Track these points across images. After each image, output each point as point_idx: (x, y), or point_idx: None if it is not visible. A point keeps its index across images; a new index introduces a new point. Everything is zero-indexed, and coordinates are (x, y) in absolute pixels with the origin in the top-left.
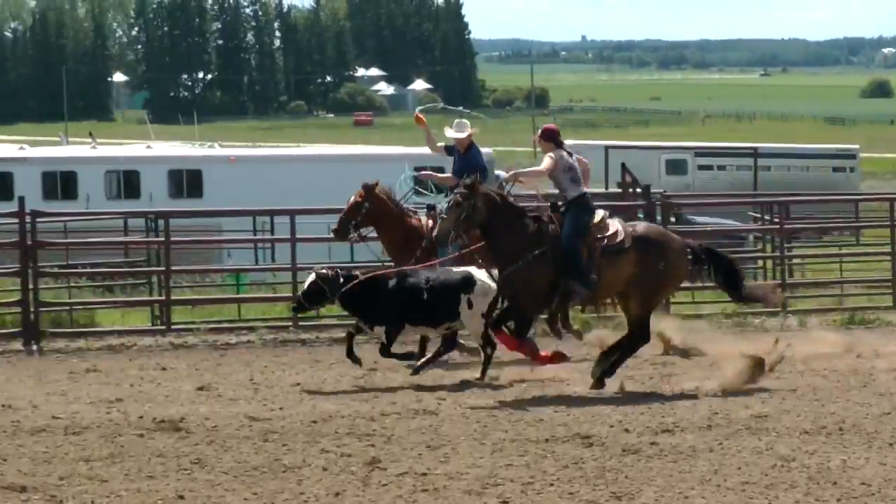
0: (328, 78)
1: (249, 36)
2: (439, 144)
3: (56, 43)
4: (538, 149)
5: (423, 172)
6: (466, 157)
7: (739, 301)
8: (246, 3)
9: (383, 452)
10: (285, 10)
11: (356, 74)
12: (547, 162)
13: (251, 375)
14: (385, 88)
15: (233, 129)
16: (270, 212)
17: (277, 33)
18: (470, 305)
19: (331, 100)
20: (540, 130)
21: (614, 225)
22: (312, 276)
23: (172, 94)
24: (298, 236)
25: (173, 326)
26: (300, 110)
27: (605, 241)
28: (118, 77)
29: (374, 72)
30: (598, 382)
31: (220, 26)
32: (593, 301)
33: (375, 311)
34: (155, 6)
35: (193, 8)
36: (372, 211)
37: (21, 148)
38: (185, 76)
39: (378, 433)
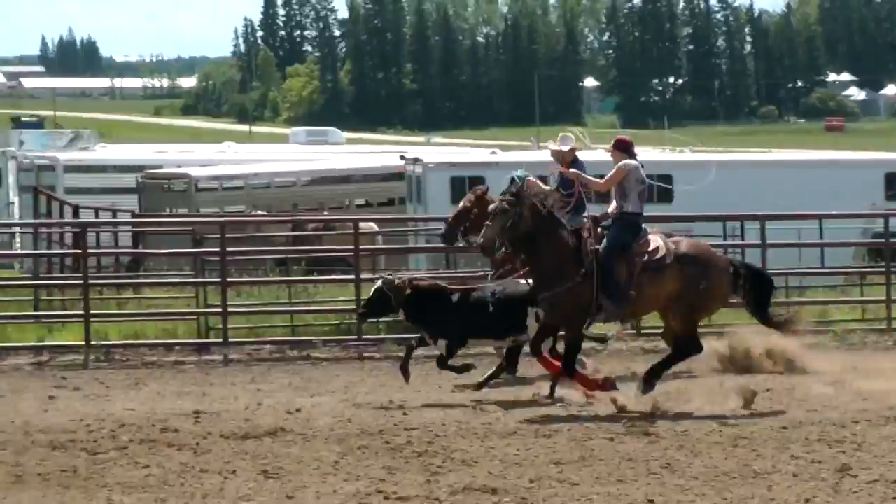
0: (799, 83)
1: (720, 41)
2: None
3: (528, 48)
4: None
5: (529, 178)
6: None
7: (761, 321)
8: (717, 9)
9: (854, 459)
10: (756, 14)
11: (827, 79)
12: (614, 173)
13: None
14: (856, 93)
15: (704, 134)
16: (740, 217)
17: (748, 38)
18: (538, 319)
19: (802, 105)
20: (614, 141)
21: (656, 241)
22: (378, 284)
23: (643, 98)
24: (769, 242)
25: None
26: (771, 115)
27: (647, 256)
28: (589, 82)
29: (845, 77)
30: (647, 385)
31: (690, 31)
32: (632, 316)
33: (438, 322)
34: (626, 12)
35: (664, 13)
36: (479, 217)
37: (493, 153)
38: (655, 81)
39: (848, 440)
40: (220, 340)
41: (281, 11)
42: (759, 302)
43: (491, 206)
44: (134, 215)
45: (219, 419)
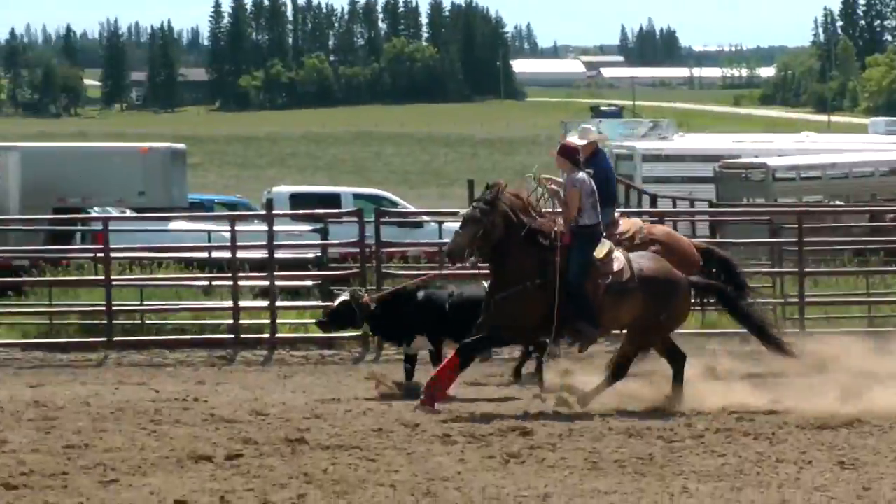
0: None
1: None
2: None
3: None
4: None
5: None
6: (591, 165)
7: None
8: None
9: None
10: None
11: None
12: (571, 196)
13: None
14: None
15: None
16: None
17: None
18: None
19: None
20: (558, 147)
21: (620, 260)
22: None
23: None
24: None
25: None
26: None
27: (610, 278)
28: None
29: None
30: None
31: None
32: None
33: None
34: None
35: None
36: None
37: None
38: None
39: None
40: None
41: (861, 1)
42: (740, 313)
43: (462, 213)
44: (711, 205)
45: (794, 411)
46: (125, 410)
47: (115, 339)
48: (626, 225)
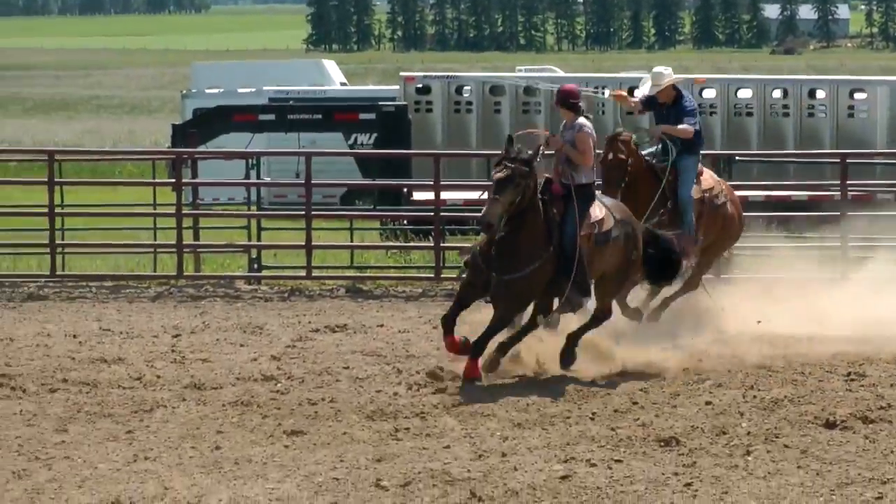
0: None
1: None
2: (633, 100)
3: None
4: None
5: (659, 126)
6: (677, 109)
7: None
8: None
9: None
10: None
11: None
12: (586, 144)
13: None
14: None
15: None
16: None
17: None
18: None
19: None
20: (557, 93)
21: (601, 209)
22: None
23: None
24: None
25: None
26: None
27: (596, 228)
28: None
29: None
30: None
31: None
32: None
33: None
34: None
35: None
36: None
37: None
38: None
39: None
40: None
41: None
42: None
43: (496, 175)
44: None
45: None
46: None
47: None
48: (710, 181)
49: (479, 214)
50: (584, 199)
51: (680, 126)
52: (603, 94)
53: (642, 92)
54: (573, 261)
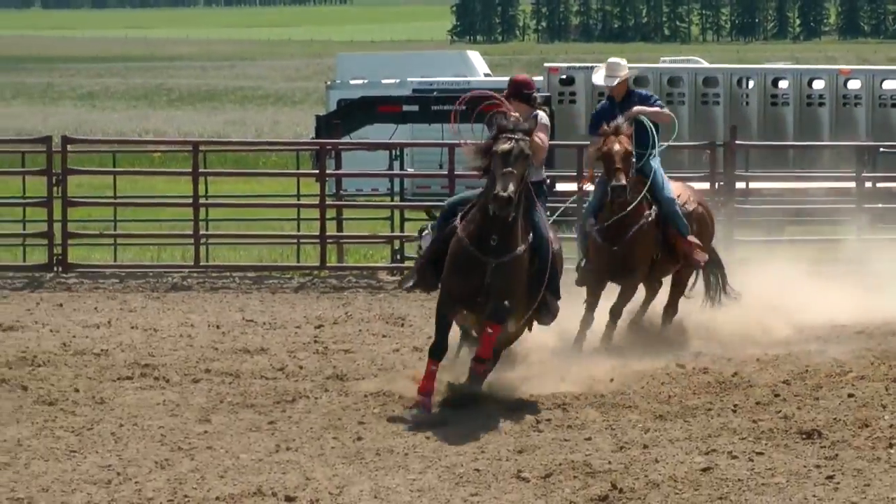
0: None
1: None
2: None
3: None
4: None
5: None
6: (632, 102)
7: None
8: None
9: None
10: None
11: None
12: (543, 132)
13: None
14: None
15: None
16: None
17: None
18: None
19: None
20: (509, 84)
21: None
22: None
23: None
24: None
25: None
26: None
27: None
28: None
29: None
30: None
31: None
32: None
33: None
34: None
35: None
36: None
37: None
38: None
39: None
40: None
41: None
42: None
43: (502, 148)
44: None
45: None
46: None
47: None
48: (678, 188)
49: (496, 191)
50: (536, 198)
51: (652, 109)
52: None
53: (597, 80)
54: (547, 262)
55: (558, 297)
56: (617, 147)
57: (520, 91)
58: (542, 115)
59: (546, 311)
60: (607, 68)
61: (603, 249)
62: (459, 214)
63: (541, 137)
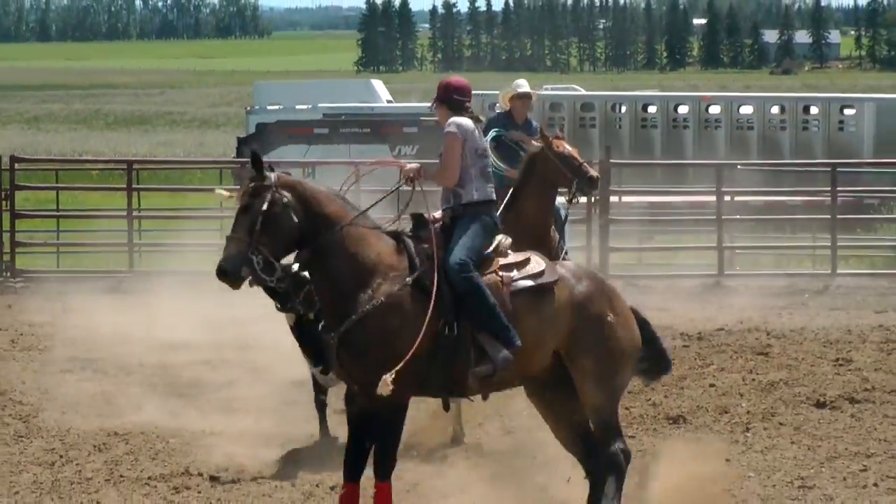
0: None
1: None
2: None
3: None
4: None
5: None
6: (528, 131)
7: None
8: None
9: None
10: None
11: None
12: (448, 149)
13: None
14: None
15: None
16: None
17: None
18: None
19: None
20: (438, 87)
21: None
22: None
23: None
24: None
25: None
26: None
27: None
28: None
29: None
30: None
31: None
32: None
33: None
34: None
35: None
36: None
37: None
38: None
39: None
40: None
41: None
42: None
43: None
44: None
45: None
46: None
47: None
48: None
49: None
50: (474, 219)
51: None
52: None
53: (503, 98)
54: (480, 302)
55: (502, 337)
56: (570, 147)
57: (450, 97)
58: (452, 122)
59: (488, 362)
60: (515, 88)
61: None
62: None
63: (444, 151)
